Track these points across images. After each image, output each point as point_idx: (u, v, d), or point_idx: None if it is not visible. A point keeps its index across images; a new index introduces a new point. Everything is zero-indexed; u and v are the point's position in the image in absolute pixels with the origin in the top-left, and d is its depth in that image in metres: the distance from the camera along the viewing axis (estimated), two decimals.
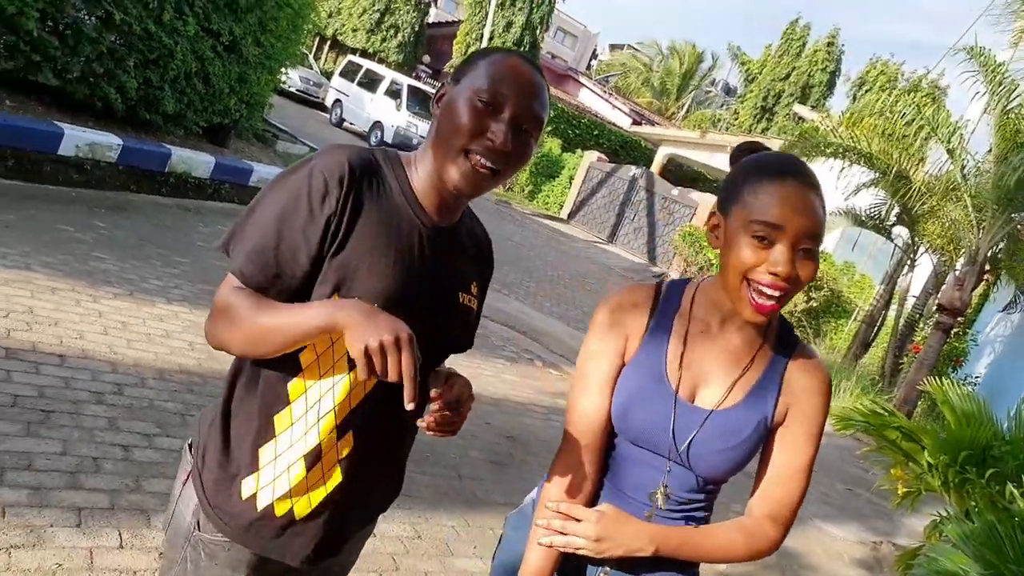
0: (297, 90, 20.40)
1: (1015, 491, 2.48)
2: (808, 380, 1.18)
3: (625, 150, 22.76)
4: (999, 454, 2.86)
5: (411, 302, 1.12)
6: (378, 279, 1.11)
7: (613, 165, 18.65)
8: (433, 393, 1.07)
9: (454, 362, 1.30)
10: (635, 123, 25.59)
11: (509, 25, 22.11)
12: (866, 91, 24.35)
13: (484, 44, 20.84)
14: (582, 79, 30.60)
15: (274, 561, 1.17)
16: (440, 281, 1.18)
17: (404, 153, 1.22)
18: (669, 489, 1.19)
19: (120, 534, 2.32)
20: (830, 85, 27.39)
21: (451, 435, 1.10)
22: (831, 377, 1.22)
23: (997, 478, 2.74)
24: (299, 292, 1.10)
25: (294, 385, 1.13)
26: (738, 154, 1.22)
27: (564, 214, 19.15)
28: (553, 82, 29.16)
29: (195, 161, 6.73)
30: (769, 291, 1.04)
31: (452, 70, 1.16)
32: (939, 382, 3.49)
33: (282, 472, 1.13)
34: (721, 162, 17.66)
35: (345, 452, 1.14)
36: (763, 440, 1.18)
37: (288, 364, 1.12)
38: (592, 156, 19.15)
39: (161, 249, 5.03)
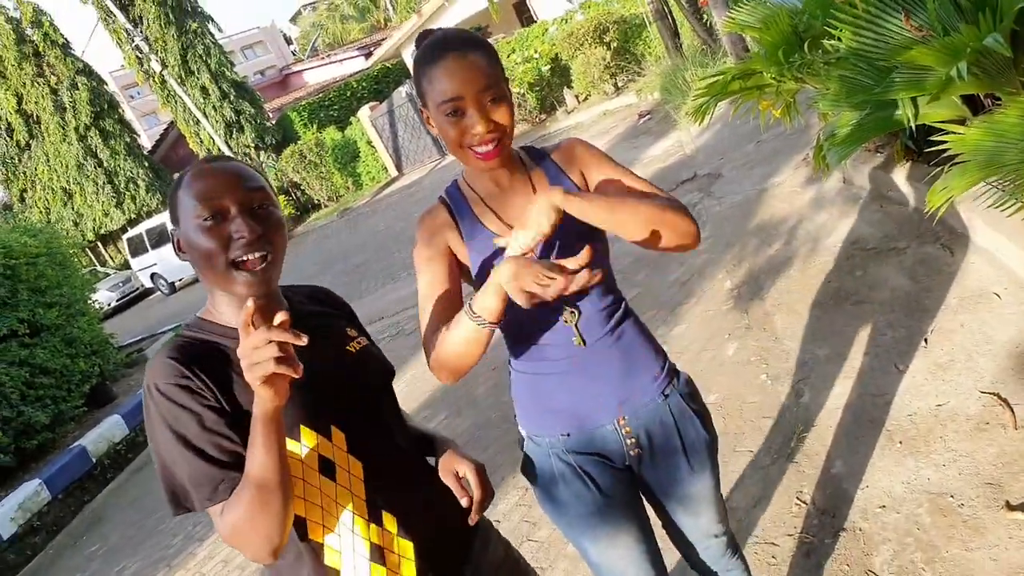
0: (117, 301, 19.46)
1: (829, 43, 2.75)
2: (570, 152, 1.37)
3: (383, 83, 22.38)
4: (804, 25, 3.12)
5: (311, 384, 1.10)
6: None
7: (385, 102, 18.43)
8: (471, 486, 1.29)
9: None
10: (367, 56, 25.03)
11: (204, 91, 21.08)
12: None
13: (201, 119, 19.91)
14: (296, 68, 29.66)
15: None
16: (316, 356, 1.10)
17: (201, 311, 1.23)
18: (574, 310, 1.30)
19: None
20: None
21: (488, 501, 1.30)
22: (579, 139, 1.39)
23: (815, 44, 3.02)
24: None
25: (313, 542, 1.16)
26: (419, 45, 1.31)
27: (393, 172, 18.96)
28: (277, 93, 28.15)
29: (107, 431, 6.58)
30: (483, 147, 1.21)
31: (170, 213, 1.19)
32: (729, 16, 3.71)
33: None
34: (459, 12, 17.53)
35: (392, 526, 1.19)
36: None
37: (298, 542, 1.15)
38: (365, 112, 18.84)
39: (155, 515, 4.98)
